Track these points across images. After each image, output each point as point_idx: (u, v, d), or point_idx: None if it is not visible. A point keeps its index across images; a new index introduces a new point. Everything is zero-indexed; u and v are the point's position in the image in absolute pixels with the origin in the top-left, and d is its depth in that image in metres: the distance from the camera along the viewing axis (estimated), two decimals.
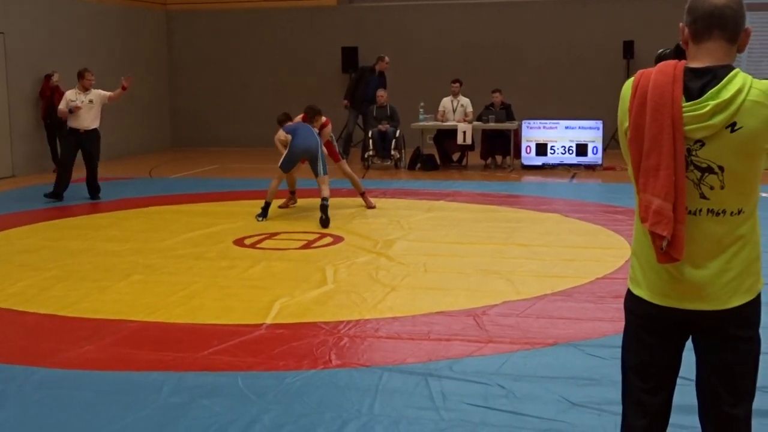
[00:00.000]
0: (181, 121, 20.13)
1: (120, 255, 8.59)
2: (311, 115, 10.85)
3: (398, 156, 15.91)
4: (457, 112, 15.93)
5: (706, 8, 2.62)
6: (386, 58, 16.66)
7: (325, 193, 10.22)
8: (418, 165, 15.65)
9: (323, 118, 10.98)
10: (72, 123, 12.24)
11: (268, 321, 6.23)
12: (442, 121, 15.94)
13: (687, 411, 3.32)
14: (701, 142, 2.58)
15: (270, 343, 5.75)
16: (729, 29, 2.61)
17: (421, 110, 16.05)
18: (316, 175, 10.44)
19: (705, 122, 2.55)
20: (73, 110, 12.09)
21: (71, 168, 12.36)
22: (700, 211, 2.63)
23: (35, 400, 4.85)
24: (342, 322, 6.19)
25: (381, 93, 15.95)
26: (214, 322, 6.24)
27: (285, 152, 10.57)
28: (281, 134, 10.84)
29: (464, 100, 15.97)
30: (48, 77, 15.49)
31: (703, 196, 2.62)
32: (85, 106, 12.20)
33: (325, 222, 10.00)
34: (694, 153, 2.60)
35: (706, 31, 2.62)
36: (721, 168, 2.58)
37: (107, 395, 4.88)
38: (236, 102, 20.22)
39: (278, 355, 5.51)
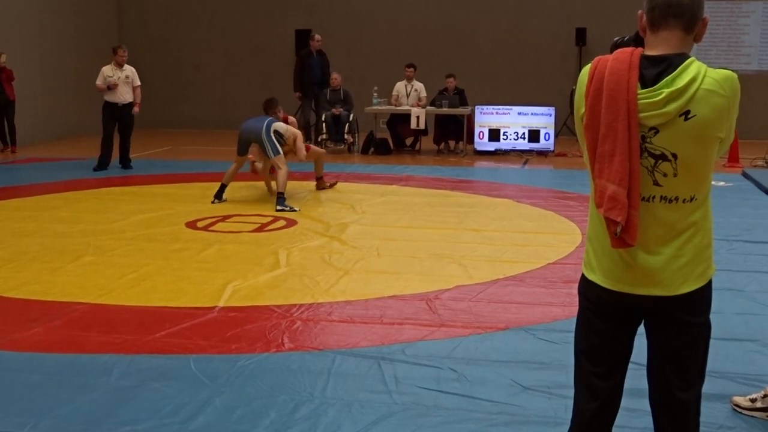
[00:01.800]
0: None
1: (70, 236, 8.48)
2: (265, 106, 11.15)
3: (351, 140, 15.89)
4: (410, 96, 15.94)
5: None
6: (316, 36, 16.60)
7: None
8: (372, 149, 15.65)
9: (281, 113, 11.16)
10: (110, 98, 13.08)
11: (221, 304, 6.21)
12: (396, 106, 15.95)
13: (638, 395, 3.37)
14: (655, 130, 2.61)
15: (222, 326, 5.73)
16: (686, 18, 2.64)
17: (374, 94, 16.03)
18: (268, 158, 10.45)
19: (659, 110, 2.58)
20: (111, 87, 12.96)
21: (112, 139, 13.14)
22: (653, 197, 2.66)
23: None
24: (295, 305, 6.19)
25: (335, 76, 15.90)
26: (165, 305, 6.20)
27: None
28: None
29: (418, 85, 15.98)
30: None
31: (656, 183, 2.65)
32: (122, 81, 13.08)
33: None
34: (648, 140, 2.63)
35: (662, 20, 2.65)
36: (674, 155, 2.61)
37: (57, 378, 4.83)
38: (188, 83, 20.05)
39: (231, 338, 5.49)
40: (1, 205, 10.34)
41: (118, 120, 13.24)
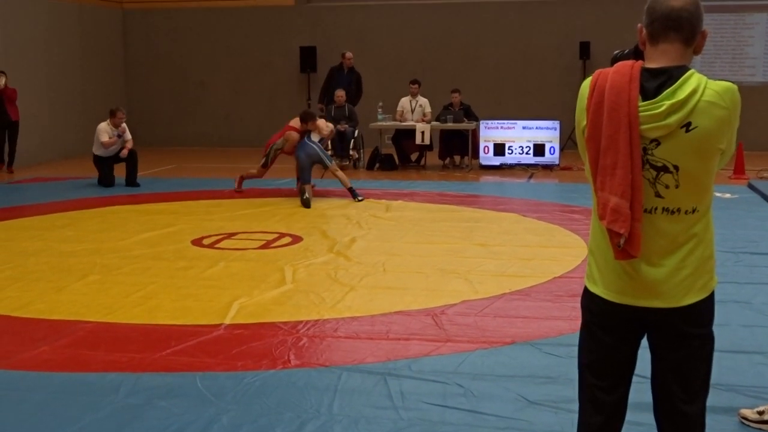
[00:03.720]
0: (137, 120, 19.90)
1: (76, 255, 8.50)
2: (304, 118, 12.30)
3: (357, 156, 15.91)
4: (415, 112, 15.96)
5: (663, 10, 2.65)
6: (347, 54, 16.70)
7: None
8: (377, 165, 15.66)
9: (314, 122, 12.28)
10: (103, 153, 13.40)
11: (227, 321, 6.21)
12: (401, 121, 15.97)
13: (643, 408, 3.36)
14: (657, 142, 2.62)
15: (228, 343, 5.73)
16: (685, 31, 2.65)
17: (379, 110, 16.06)
18: (326, 168, 12.30)
19: (660, 122, 2.59)
20: (105, 146, 13.34)
21: (112, 182, 13.45)
22: (656, 209, 2.67)
23: None
24: (301, 322, 6.18)
25: (339, 93, 15.92)
26: (171, 323, 6.20)
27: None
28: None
29: (423, 101, 16.01)
30: None
31: (658, 195, 2.66)
32: (117, 142, 13.42)
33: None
34: (649, 152, 2.63)
35: (662, 33, 2.66)
36: (676, 167, 2.62)
37: (63, 396, 4.84)
38: (193, 101, 20.11)
39: (237, 355, 5.49)
40: (7, 224, 10.37)
41: (116, 162, 13.52)
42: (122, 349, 5.65)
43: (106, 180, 13.41)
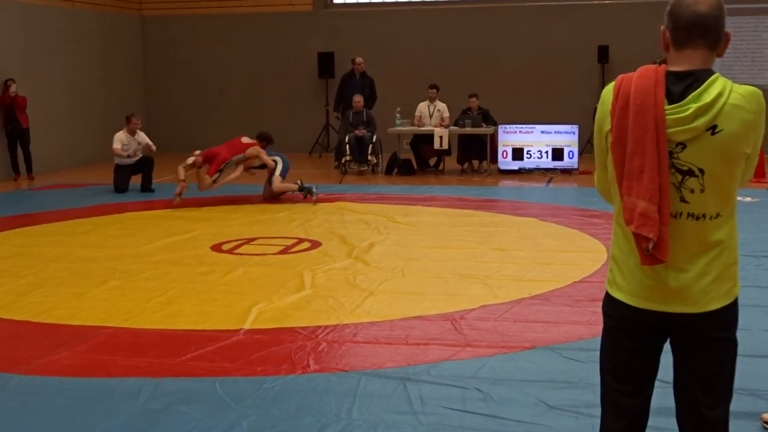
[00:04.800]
0: (156, 126, 19.99)
1: (97, 261, 8.54)
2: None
3: (375, 161, 15.90)
4: (433, 117, 15.95)
5: (688, 16, 2.63)
6: (357, 59, 16.74)
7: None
8: (395, 170, 15.66)
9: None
10: (122, 161, 13.62)
11: (246, 326, 6.22)
12: (419, 126, 15.97)
13: (665, 413, 3.34)
14: (682, 145, 2.60)
15: (248, 348, 5.74)
16: (711, 37, 2.64)
17: (397, 115, 16.06)
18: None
19: (687, 125, 2.57)
20: (130, 155, 13.61)
21: (126, 190, 13.58)
22: (681, 214, 2.65)
23: (11, 408, 4.82)
24: (320, 327, 6.19)
25: (357, 98, 15.94)
26: (191, 328, 6.22)
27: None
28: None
29: (441, 105, 16.00)
30: (7, 85, 15.37)
31: (683, 200, 2.64)
32: (134, 145, 13.66)
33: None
34: (675, 156, 2.62)
35: (688, 39, 2.65)
36: (701, 171, 2.60)
37: (84, 402, 4.86)
38: (212, 107, 20.16)
39: (256, 360, 5.50)
40: (29, 230, 10.44)
41: (133, 172, 13.75)
42: (142, 354, 5.67)
43: (119, 186, 13.55)
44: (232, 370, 5.32)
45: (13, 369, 5.41)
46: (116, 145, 13.52)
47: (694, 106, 2.56)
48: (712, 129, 2.56)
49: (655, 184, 2.59)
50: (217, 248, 9.11)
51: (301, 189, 12.29)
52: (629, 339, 2.80)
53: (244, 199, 12.51)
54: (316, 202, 12.05)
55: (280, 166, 12.45)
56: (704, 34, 2.63)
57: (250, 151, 12.45)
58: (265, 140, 12.78)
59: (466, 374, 5.16)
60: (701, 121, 2.56)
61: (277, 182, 12.37)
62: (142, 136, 13.86)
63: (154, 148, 13.94)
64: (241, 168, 12.42)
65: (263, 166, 12.55)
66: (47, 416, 4.69)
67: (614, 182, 2.74)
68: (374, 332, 6.07)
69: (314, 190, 12.24)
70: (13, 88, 15.25)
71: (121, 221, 11.02)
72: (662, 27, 2.72)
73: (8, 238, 9.93)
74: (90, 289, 7.42)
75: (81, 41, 18.03)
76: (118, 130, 13.78)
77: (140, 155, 13.78)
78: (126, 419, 4.61)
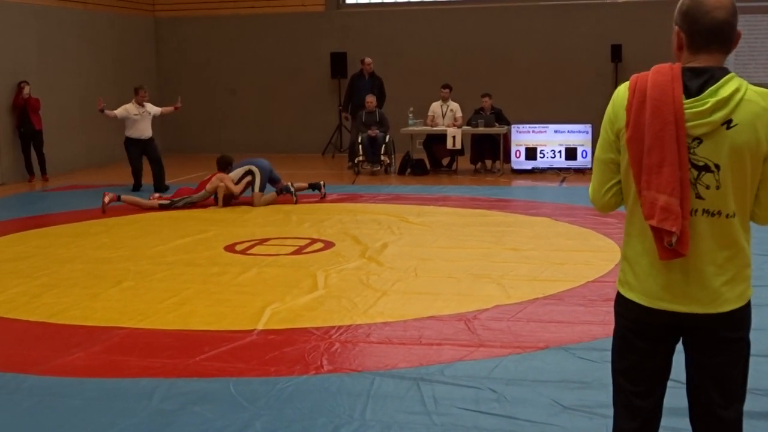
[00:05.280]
0: (169, 127, 20.07)
1: (110, 262, 8.57)
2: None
3: (388, 161, 15.90)
4: (446, 116, 15.94)
5: (707, 22, 2.63)
6: (366, 60, 16.77)
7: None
8: (408, 170, 15.65)
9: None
10: (131, 133, 13.95)
11: (260, 327, 6.23)
12: (432, 126, 15.96)
13: (678, 413, 3.33)
14: (699, 140, 2.61)
15: (261, 348, 5.75)
16: (727, 43, 2.67)
17: (410, 115, 16.06)
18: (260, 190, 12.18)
19: (706, 119, 2.58)
20: (108, 116, 13.92)
21: (141, 171, 13.96)
22: (696, 211, 2.65)
23: (26, 408, 4.84)
24: (333, 327, 6.19)
25: (370, 99, 15.94)
26: (205, 329, 6.24)
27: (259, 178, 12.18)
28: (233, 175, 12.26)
29: (454, 105, 15.98)
30: (20, 87, 15.44)
31: (698, 196, 2.64)
32: (144, 117, 13.99)
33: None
34: (692, 151, 2.62)
35: (704, 45, 2.66)
36: (717, 166, 2.60)
37: (98, 402, 4.88)
38: (224, 108, 20.20)
39: (270, 360, 5.51)
40: (43, 231, 10.48)
41: (144, 154, 13.99)
42: (156, 354, 5.69)
43: (133, 161, 13.84)
44: (246, 370, 5.33)
45: (27, 370, 5.44)
46: (117, 111, 13.88)
47: (712, 100, 2.57)
48: (728, 123, 2.57)
49: (676, 178, 2.59)
50: (230, 249, 9.13)
51: (280, 191, 12.31)
52: (642, 339, 2.79)
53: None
54: (296, 202, 12.16)
55: (257, 180, 12.13)
56: (721, 41, 2.65)
57: (213, 182, 12.08)
58: (220, 165, 12.32)
59: (480, 374, 5.16)
60: (719, 115, 2.57)
61: (257, 199, 12.04)
62: (151, 107, 14.17)
63: (171, 108, 14.48)
64: (240, 187, 12.19)
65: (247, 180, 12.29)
66: (62, 416, 4.71)
67: (628, 179, 2.73)
68: (387, 332, 6.07)
69: (292, 189, 12.27)
70: (26, 90, 15.33)
71: (134, 222, 11.05)
72: (676, 28, 2.70)
73: (22, 239, 9.97)
74: (104, 290, 7.44)
75: (94, 43, 18.09)
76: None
77: (150, 134, 14.04)
78: (140, 420, 4.62)
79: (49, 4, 16.80)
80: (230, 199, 12.13)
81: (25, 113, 15.37)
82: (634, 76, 2.72)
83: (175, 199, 12.09)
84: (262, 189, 12.12)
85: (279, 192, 12.29)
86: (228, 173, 12.18)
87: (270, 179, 12.38)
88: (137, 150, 13.93)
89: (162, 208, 11.94)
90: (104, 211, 11.60)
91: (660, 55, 2.85)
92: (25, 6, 16.12)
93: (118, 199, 11.87)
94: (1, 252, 9.21)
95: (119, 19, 19.04)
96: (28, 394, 5.03)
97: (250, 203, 12.04)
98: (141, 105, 14.03)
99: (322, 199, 12.44)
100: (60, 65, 17.00)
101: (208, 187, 12.07)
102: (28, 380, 5.25)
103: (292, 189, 12.28)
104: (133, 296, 7.24)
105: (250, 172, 12.20)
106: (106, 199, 11.76)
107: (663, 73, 2.65)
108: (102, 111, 13.76)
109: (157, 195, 12.57)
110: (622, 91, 2.74)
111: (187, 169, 16.83)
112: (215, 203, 12.03)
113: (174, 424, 4.55)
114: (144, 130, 13.98)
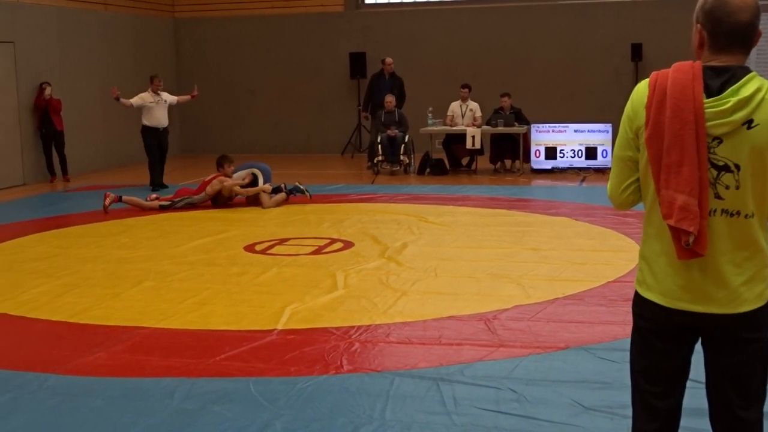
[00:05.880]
0: (189, 128, 20.18)
1: (131, 262, 8.61)
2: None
3: (407, 161, 15.89)
4: (465, 116, 15.92)
5: (731, 23, 2.61)
6: (387, 59, 16.77)
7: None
8: (428, 170, 15.64)
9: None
10: (149, 122, 14.13)
11: (280, 327, 6.24)
12: (451, 126, 15.94)
13: (698, 414, 3.31)
14: (719, 140, 2.59)
15: (281, 348, 5.76)
16: (749, 43, 2.65)
17: (429, 115, 16.05)
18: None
19: (726, 118, 2.56)
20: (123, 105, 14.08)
21: (158, 165, 14.21)
22: (715, 211, 2.63)
23: (48, 407, 4.87)
24: (353, 327, 6.20)
25: (389, 99, 15.94)
26: (225, 328, 6.26)
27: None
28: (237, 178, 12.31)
29: (473, 105, 15.96)
30: (42, 88, 15.54)
31: (718, 196, 2.62)
32: (160, 105, 14.18)
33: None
34: (712, 150, 2.61)
35: (727, 46, 2.65)
36: (737, 166, 2.59)
37: (119, 401, 4.90)
38: (244, 109, 20.25)
39: (290, 360, 5.52)
40: (64, 231, 10.54)
41: (158, 142, 14.26)
42: (177, 354, 5.72)
43: (150, 149, 14.07)
44: (266, 370, 5.35)
45: (50, 369, 5.48)
46: (133, 99, 14.06)
47: (733, 100, 2.56)
48: (748, 123, 2.56)
49: (695, 177, 2.58)
50: (250, 249, 9.15)
51: (290, 192, 12.30)
52: (660, 339, 2.78)
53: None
54: (310, 196, 12.24)
55: (260, 182, 12.13)
56: (743, 42, 2.64)
57: (214, 185, 12.15)
58: (219, 164, 12.42)
59: (500, 375, 5.15)
60: (740, 115, 2.55)
61: (266, 201, 11.98)
62: (167, 95, 14.40)
63: (188, 97, 14.73)
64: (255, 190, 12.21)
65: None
66: (84, 416, 4.73)
67: (647, 178, 2.72)
68: (407, 332, 6.07)
69: (302, 187, 12.27)
70: (47, 91, 15.43)
71: (154, 222, 11.10)
72: (697, 26, 2.69)
73: (44, 239, 10.04)
74: (125, 290, 7.48)
75: (115, 44, 18.19)
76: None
77: (166, 123, 14.25)
78: (161, 419, 4.64)
79: (70, 5, 16.91)
80: (227, 200, 12.30)
81: (46, 114, 15.49)
82: (654, 74, 2.71)
83: (176, 200, 12.17)
84: (273, 192, 12.12)
85: (289, 193, 12.32)
86: (231, 174, 12.30)
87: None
88: (154, 139, 14.11)
89: (162, 209, 11.99)
90: (106, 212, 11.70)
91: (681, 53, 2.82)
92: (46, 8, 16.23)
93: (120, 200, 11.95)
94: (23, 252, 9.27)
95: (139, 20, 19.13)
96: (51, 394, 5.07)
97: (244, 204, 12.18)
98: (156, 93, 14.21)
99: (310, 199, 12.39)
100: (81, 66, 17.10)
101: (209, 189, 12.14)
102: (51, 379, 5.29)
103: (302, 187, 12.33)
104: (154, 296, 7.27)
105: (253, 175, 12.27)
106: (107, 201, 11.84)
107: (684, 71, 2.63)
108: (117, 99, 13.93)
109: (155, 195, 12.62)
110: (642, 88, 2.72)
111: (206, 170, 16.85)
112: (213, 206, 12.15)
113: (194, 423, 4.57)
114: (161, 119, 14.17)
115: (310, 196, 12.28)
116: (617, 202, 2.86)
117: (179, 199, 12.18)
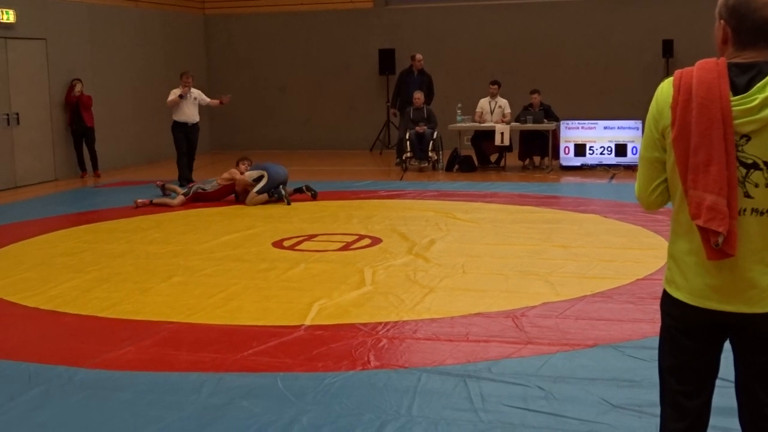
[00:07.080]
0: (219, 124, 20.24)
1: (160, 257, 8.66)
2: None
3: (436, 157, 15.86)
4: (494, 113, 15.87)
5: (756, 19, 2.58)
6: (417, 56, 16.72)
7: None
8: (456, 166, 15.61)
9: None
10: (179, 117, 14.19)
11: (307, 322, 6.25)
12: (480, 122, 15.89)
13: (728, 413, 3.28)
14: (747, 137, 2.56)
15: (309, 344, 5.77)
16: None
17: (458, 111, 16.01)
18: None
19: (754, 116, 2.53)
20: (182, 95, 14.06)
21: (185, 153, 14.28)
22: (744, 210, 2.59)
23: (77, 401, 4.91)
24: (380, 323, 6.20)
25: (417, 95, 15.91)
26: (253, 324, 6.28)
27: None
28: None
29: (502, 101, 15.91)
30: (72, 85, 15.67)
31: (747, 195, 2.59)
32: (190, 102, 14.19)
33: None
34: (739, 148, 2.57)
35: (752, 42, 2.61)
36: (766, 164, 2.55)
37: (148, 396, 4.93)
38: (273, 105, 20.31)
39: (317, 356, 5.53)
40: (95, 227, 10.62)
41: (187, 138, 14.29)
42: (205, 349, 5.74)
43: (179, 144, 14.13)
44: (293, 365, 5.36)
45: (79, 363, 5.51)
46: (170, 98, 14.06)
47: (760, 97, 2.52)
48: None
49: (724, 177, 2.54)
50: (278, 245, 9.18)
51: (279, 196, 12.23)
52: (689, 338, 2.75)
53: (303, 197, 12.56)
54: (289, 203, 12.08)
55: (261, 183, 12.10)
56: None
57: (224, 176, 12.60)
58: (237, 163, 12.82)
59: (528, 372, 5.13)
60: (767, 112, 2.51)
61: (250, 199, 12.07)
62: (198, 93, 14.44)
63: (217, 102, 14.67)
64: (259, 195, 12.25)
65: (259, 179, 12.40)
66: (112, 410, 4.77)
67: (674, 178, 2.69)
68: (434, 329, 6.06)
69: (284, 193, 12.16)
70: (78, 88, 15.56)
71: (184, 218, 11.16)
72: (720, 22, 2.65)
73: (74, 234, 10.12)
74: (154, 285, 7.53)
75: (145, 40, 18.30)
76: None
77: (196, 119, 14.32)
78: (189, 413, 4.66)
79: (101, 2, 17.03)
80: (229, 193, 12.56)
81: (77, 110, 15.62)
82: (677, 72, 2.67)
83: (192, 186, 12.68)
84: (259, 191, 12.08)
85: (295, 191, 12.40)
86: (244, 171, 12.47)
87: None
88: (182, 134, 14.18)
89: (185, 196, 12.41)
90: (137, 207, 11.95)
91: (713, 50, 2.78)
92: (77, 4, 16.36)
93: (150, 203, 12.15)
94: (54, 247, 9.35)
95: (169, 17, 19.23)
96: (79, 387, 5.10)
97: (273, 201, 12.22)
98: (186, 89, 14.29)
99: (314, 198, 12.39)
100: (111, 63, 17.22)
101: (219, 179, 12.55)
102: (80, 373, 5.33)
103: (284, 193, 12.21)
104: (182, 291, 7.31)
105: (261, 176, 12.26)
106: (139, 204, 12.04)
107: (708, 69, 2.60)
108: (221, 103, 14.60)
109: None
110: (666, 87, 2.69)
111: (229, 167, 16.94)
112: (236, 202, 12.38)
113: (222, 418, 4.58)
114: (190, 115, 14.22)
115: (313, 195, 12.33)
116: (646, 203, 2.83)
117: (195, 185, 12.64)
